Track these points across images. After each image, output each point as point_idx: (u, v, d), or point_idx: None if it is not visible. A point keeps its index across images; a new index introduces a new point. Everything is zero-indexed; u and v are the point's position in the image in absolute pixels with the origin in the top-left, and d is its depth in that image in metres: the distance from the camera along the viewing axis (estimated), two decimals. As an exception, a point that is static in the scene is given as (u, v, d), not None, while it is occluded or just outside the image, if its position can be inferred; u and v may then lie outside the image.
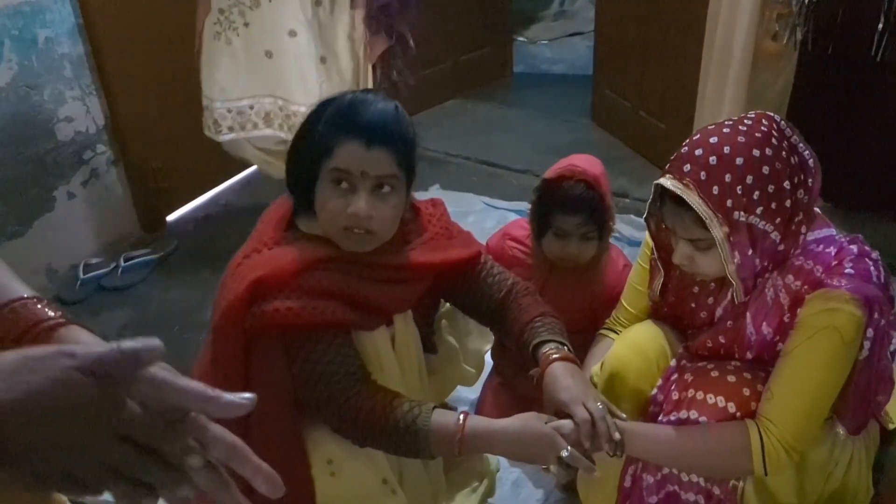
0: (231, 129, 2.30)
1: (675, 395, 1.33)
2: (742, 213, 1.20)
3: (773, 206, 1.21)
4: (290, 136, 1.42)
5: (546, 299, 1.48)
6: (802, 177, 1.24)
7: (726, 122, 1.26)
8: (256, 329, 1.23)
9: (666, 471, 1.35)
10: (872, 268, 1.24)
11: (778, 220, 1.23)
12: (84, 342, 0.66)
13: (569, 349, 1.32)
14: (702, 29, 2.66)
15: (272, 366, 1.27)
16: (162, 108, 2.66)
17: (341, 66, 2.30)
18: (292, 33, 2.17)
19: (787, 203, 1.23)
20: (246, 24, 2.17)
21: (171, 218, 2.98)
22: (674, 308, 1.48)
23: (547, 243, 1.75)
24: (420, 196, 1.50)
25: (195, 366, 1.40)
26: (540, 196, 1.75)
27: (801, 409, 1.22)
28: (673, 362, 1.41)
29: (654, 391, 1.40)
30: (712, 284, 1.39)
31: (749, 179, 1.19)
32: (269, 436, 1.28)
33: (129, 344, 0.57)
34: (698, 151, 1.22)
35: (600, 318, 1.66)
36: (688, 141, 1.27)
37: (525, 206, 1.89)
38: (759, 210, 1.21)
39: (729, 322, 1.35)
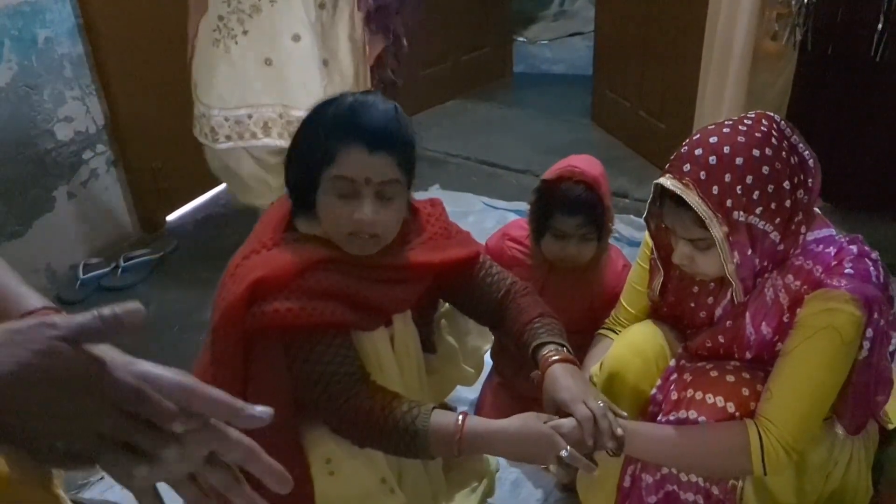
0: (229, 138, 2.25)
1: (674, 395, 1.33)
2: (742, 212, 1.20)
3: (773, 205, 1.21)
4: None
5: (545, 300, 1.48)
6: (802, 177, 1.24)
7: (726, 122, 1.26)
8: (256, 329, 1.24)
9: (665, 471, 1.35)
10: (872, 268, 1.24)
11: (777, 220, 1.23)
12: (111, 357, 0.67)
13: (568, 350, 1.32)
14: (702, 29, 2.66)
15: (271, 366, 1.28)
16: (162, 108, 2.66)
17: (343, 68, 2.29)
18: (296, 37, 2.15)
19: (787, 203, 1.23)
20: (244, 32, 2.13)
21: (170, 218, 2.97)
22: (673, 308, 1.48)
23: (546, 244, 1.76)
24: (420, 196, 1.50)
25: (195, 366, 1.40)
26: (539, 197, 1.75)
27: (801, 408, 1.22)
28: (672, 362, 1.41)
29: (654, 391, 1.40)
30: (712, 284, 1.39)
31: (749, 179, 1.19)
32: (268, 436, 1.28)
33: (108, 309, 0.57)
34: (698, 151, 1.22)
35: (599, 319, 1.66)
36: (688, 141, 1.27)
37: (525, 206, 1.89)
38: (758, 210, 1.21)
39: (728, 322, 1.35)
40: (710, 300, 1.40)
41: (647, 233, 1.46)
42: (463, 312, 1.53)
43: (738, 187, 1.19)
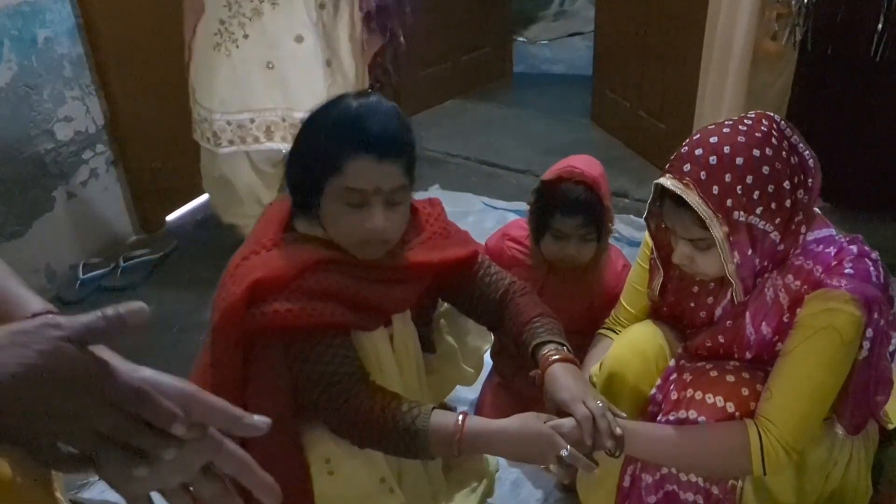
0: (231, 142, 2.24)
1: (673, 395, 1.33)
2: (742, 212, 1.20)
3: (773, 205, 1.21)
4: None
5: (545, 300, 1.48)
6: (802, 177, 1.24)
7: (726, 122, 1.26)
8: (256, 330, 1.24)
9: (665, 470, 1.35)
10: (872, 268, 1.24)
11: (778, 219, 1.23)
12: (114, 364, 0.67)
13: (568, 349, 1.32)
14: (701, 29, 2.66)
15: (271, 366, 1.28)
16: (161, 108, 2.66)
17: (345, 68, 2.29)
18: (299, 39, 2.14)
19: (787, 203, 1.23)
20: (245, 36, 2.12)
21: (170, 218, 2.97)
22: (673, 308, 1.48)
23: (545, 244, 1.75)
24: (420, 196, 1.50)
25: (195, 366, 1.40)
26: (538, 197, 1.75)
27: (800, 408, 1.22)
28: (672, 362, 1.41)
29: (653, 391, 1.40)
30: (712, 284, 1.39)
31: (749, 179, 1.19)
32: (268, 436, 1.28)
33: (112, 309, 0.58)
34: (698, 151, 1.22)
35: (599, 319, 1.66)
36: (688, 141, 1.27)
37: (524, 206, 1.89)
38: (758, 210, 1.21)
39: (728, 322, 1.35)
40: (710, 300, 1.40)
41: (647, 233, 1.46)
42: (461, 312, 1.53)
43: (739, 187, 1.19)
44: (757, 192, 1.20)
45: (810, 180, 1.26)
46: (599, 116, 3.71)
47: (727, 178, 1.20)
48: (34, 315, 0.75)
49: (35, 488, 0.73)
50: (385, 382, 1.33)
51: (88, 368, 0.56)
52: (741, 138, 1.21)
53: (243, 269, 1.26)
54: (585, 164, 1.73)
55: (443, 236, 1.44)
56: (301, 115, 2.15)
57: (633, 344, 1.44)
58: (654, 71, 3.17)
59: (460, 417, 1.23)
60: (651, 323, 1.48)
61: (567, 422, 1.21)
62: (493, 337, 1.66)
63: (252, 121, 2.22)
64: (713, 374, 1.31)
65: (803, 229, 1.27)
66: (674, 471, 1.34)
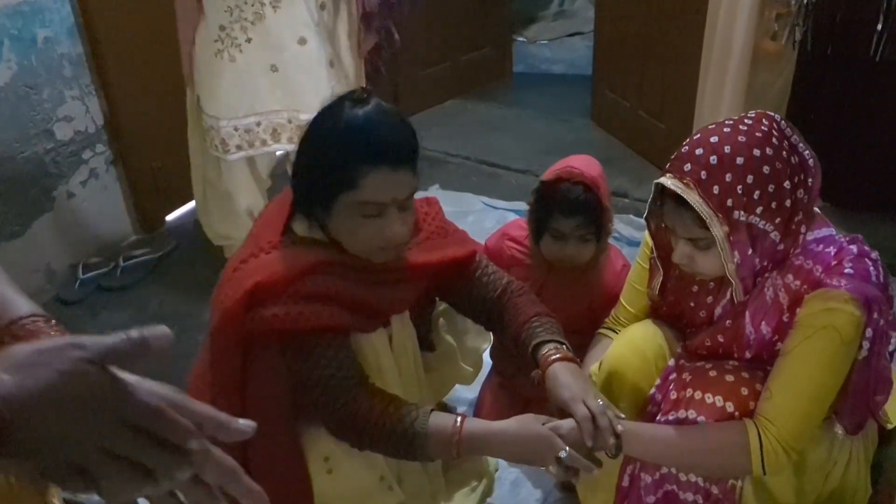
0: (239, 148, 2.22)
1: (673, 395, 1.33)
2: (742, 212, 1.20)
3: (773, 205, 1.21)
4: None
5: (545, 300, 1.48)
6: (802, 176, 1.24)
7: (727, 122, 1.26)
8: (255, 334, 1.24)
9: (664, 470, 1.35)
10: (872, 268, 1.24)
11: (778, 219, 1.23)
12: None
13: (567, 348, 1.32)
14: (701, 29, 2.66)
15: (270, 369, 1.28)
16: (161, 107, 2.66)
17: (346, 68, 2.29)
18: (302, 41, 2.13)
19: (787, 203, 1.23)
20: (248, 40, 2.11)
21: (170, 218, 2.97)
22: (673, 307, 1.48)
23: (545, 244, 1.76)
24: (419, 195, 1.50)
25: (194, 367, 1.40)
26: (538, 198, 1.75)
27: (800, 408, 1.22)
28: (671, 362, 1.41)
29: (653, 391, 1.40)
30: (711, 284, 1.39)
31: (749, 179, 1.19)
32: (267, 437, 1.28)
33: (137, 332, 0.57)
34: (699, 151, 1.22)
35: (599, 319, 1.65)
36: (688, 140, 1.27)
37: (524, 206, 1.89)
38: (759, 209, 1.21)
39: (728, 321, 1.35)
40: (710, 299, 1.40)
41: (647, 232, 1.46)
42: (459, 311, 1.53)
43: (739, 187, 1.19)
44: (757, 192, 1.20)
45: (810, 180, 1.26)
46: (599, 116, 3.71)
47: (727, 177, 1.20)
48: (20, 318, 0.75)
49: (28, 488, 0.73)
50: (384, 383, 1.33)
51: (107, 390, 0.56)
52: (742, 138, 1.21)
53: (242, 272, 1.25)
54: (585, 164, 1.73)
55: (440, 235, 1.44)
56: (307, 116, 2.15)
57: (633, 343, 1.44)
58: (654, 71, 3.17)
59: (458, 419, 1.23)
60: (651, 322, 1.48)
61: (566, 423, 1.22)
62: (492, 336, 1.66)
63: (258, 124, 2.21)
64: (712, 373, 1.31)
65: (803, 229, 1.27)
66: (673, 470, 1.34)
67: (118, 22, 2.57)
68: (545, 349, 1.31)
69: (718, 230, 1.20)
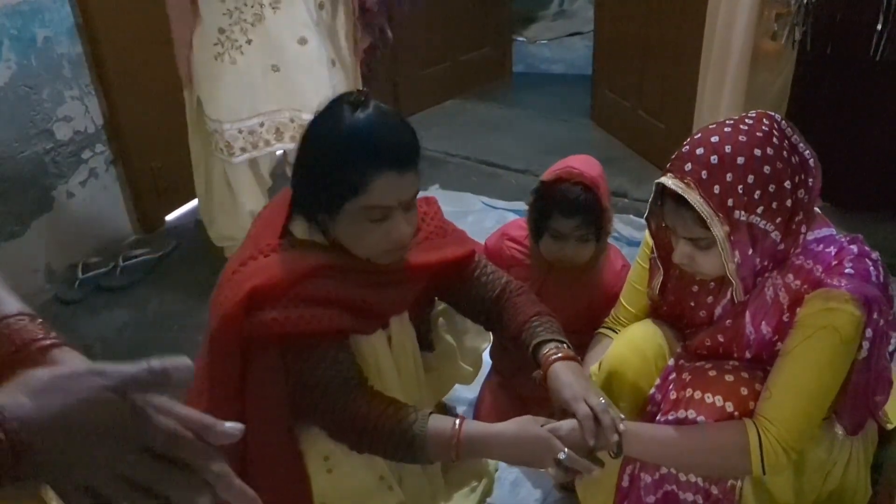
0: (244, 150, 2.22)
1: (673, 395, 1.33)
2: (743, 212, 1.20)
3: (774, 205, 1.21)
4: None
5: (544, 299, 1.48)
6: (803, 176, 1.24)
7: (727, 122, 1.26)
8: (254, 337, 1.23)
9: (664, 470, 1.35)
10: (872, 268, 1.24)
11: (778, 219, 1.23)
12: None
13: (568, 347, 1.32)
14: (701, 28, 2.66)
15: (269, 371, 1.27)
16: (161, 107, 2.66)
17: (346, 66, 2.30)
18: (302, 41, 2.12)
19: (788, 202, 1.23)
20: (248, 41, 2.10)
21: (169, 218, 2.97)
22: (673, 307, 1.48)
23: (544, 245, 1.75)
24: (418, 195, 1.50)
25: (193, 367, 1.40)
26: (537, 198, 1.75)
27: (800, 408, 1.22)
28: (671, 362, 1.41)
29: (652, 390, 1.40)
30: (712, 283, 1.39)
31: (750, 179, 1.19)
32: (266, 438, 1.28)
33: (158, 362, 0.59)
34: (699, 150, 1.22)
35: (598, 319, 1.65)
36: (689, 140, 1.27)
37: (524, 206, 1.89)
38: (759, 209, 1.21)
39: (728, 321, 1.35)
40: (710, 299, 1.40)
41: (647, 232, 1.46)
42: (458, 311, 1.53)
43: (740, 187, 1.19)
44: (758, 192, 1.20)
45: (811, 180, 1.26)
46: (599, 116, 3.71)
47: (728, 177, 1.19)
48: (8, 317, 0.75)
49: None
50: (383, 384, 1.33)
51: (126, 418, 0.57)
52: (742, 138, 1.21)
53: (241, 275, 1.25)
54: (584, 164, 1.72)
55: (439, 236, 1.44)
56: (309, 116, 2.13)
57: (633, 343, 1.44)
58: (654, 71, 3.17)
59: (457, 422, 1.23)
60: (650, 322, 1.48)
61: (564, 424, 1.22)
62: (491, 336, 1.66)
63: (262, 124, 2.20)
64: (712, 373, 1.31)
65: (803, 229, 1.27)
66: (673, 471, 1.34)
67: (118, 22, 2.57)
68: (546, 349, 1.31)
69: (719, 230, 1.20)
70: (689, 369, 1.35)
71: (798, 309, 1.26)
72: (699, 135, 1.26)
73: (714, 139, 1.22)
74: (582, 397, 1.22)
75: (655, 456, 1.32)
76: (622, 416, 1.25)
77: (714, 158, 1.20)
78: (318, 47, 2.15)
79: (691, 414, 1.28)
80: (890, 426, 1.42)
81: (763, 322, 1.30)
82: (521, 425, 1.23)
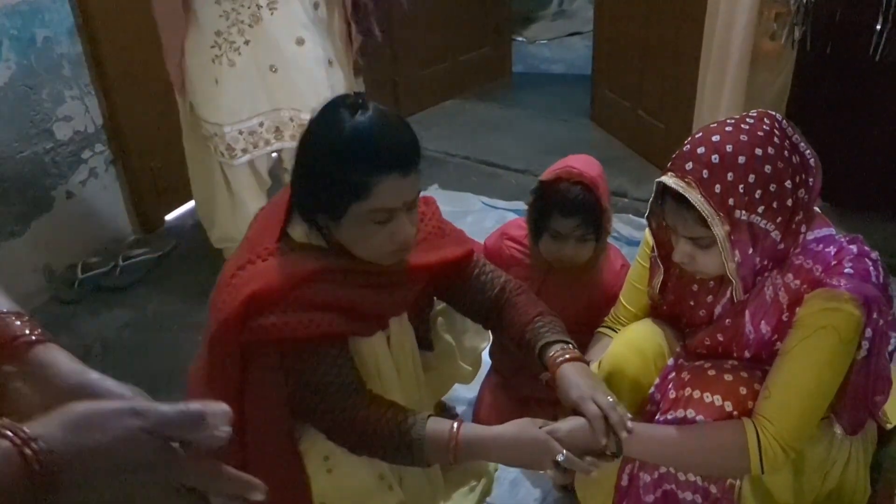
0: (245, 151, 2.21)
1: (672, 394, 1.33)
2: (743, 211, 1.20)
3: (775, 204, 1.21)
4: None
5: (544, 299, 1.48)
6: (803, 176, 1.24)
7: (728, 121, 1.26)
8: (253, 342, 1.23)
9: (663, 469, 1.35)
10: (871, 268, 1.24)
11: (779, 218, 1.23)
12: (60, 363, 0.67)
13: (574, 347, 1.33)
14: (700, 28, 2.66)
15: (268, 375, 1.28)
16: (161, 107, 2.65)
17: (343, 66, 2.30)
18: (300, 41, 2.12)
19: (789, 202, 1.23)
20: (246, 42, 2.10)
21: (169, 217, 2.97)
22: (673, 306, 1.48)
23: (544, 244, 1.75)
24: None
25: (192, 369, 1.40)
26: (537, 198, 1.75)
27: (799, 407, 1.22)
28: (670, 361, 1.41)
29: (652, 390, 1.40)
30: (711, 283, 1.39)
31: (751, 178, 1.19)
32: (266, 440, 1.28)
33: (197, 405, 0.59)
34: (700, 150, 1.22)
35: (598, 318, 1.66)
36: (690, 139, 1.27)
37: (523, 205, 1.89)
38: (760, 209, 1.21)
39: (728, 320, 1.35)
40: (710, 298, 1.40)
41: (647, 231, 1.46)
42: (457, 310, 1.53)
43: (741, 186, 1.19)
44: (759, 191, 1.20)
45: (811, 179, 1.26)
46: (599, 116, 3.71)
47: (729, 176, 1.20)
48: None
49: None
50: (383, 384, 1.33)
51: (158, 456, 0.58)
52: (743, 137, 1.21)
53: (239, 279, 1.25)
54: (584, 164, 1.72)
55: (438, 236, 1.44)
56: (308, 116, 2.13)
57: (632, 342, 1.44)
58: (654, 71, 3.17)
59: (455, 425, 1.23)
60: (650, 321, 1.48)
61: (563, 426, 1.22)
62: (490, 335, 1.66)
63: (261, 124, 2.20)
64: (711, 373, 1.31)
65: (803, 228, 1.27)
66: (672, 470, 1.34)
67: (118, 22, 2.57)
68: (553, 350, 1.31)
69: (720, 229, 1.20)
70: (689, 368, 1.35)
71: (797, 308, 1.26)
72: (700, 134, 1.26)
73: (715, 138, 1.22)
74: (590, 397, 1.22)
75: (654, 455, 1.32)
76: (630, 414, 1.26)
77: (715, 157, 1.20)
78: (315, 47, 2.15)
79: (690, 413, 1.28)
80: (889, 426, 1.42)
81: (762, 321, 1.30)
82: (519, 427, 1.23)
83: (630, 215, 2.80)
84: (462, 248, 1.45)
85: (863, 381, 1.27)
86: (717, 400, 1.27)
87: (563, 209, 1.68)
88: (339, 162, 1.19)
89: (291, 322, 1.21)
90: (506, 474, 1.77)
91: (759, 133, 1.22)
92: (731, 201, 1.20)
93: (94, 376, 0.62)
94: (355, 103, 1.21)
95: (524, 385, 1.84)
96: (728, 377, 1.30)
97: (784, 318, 1.28)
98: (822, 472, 1.33)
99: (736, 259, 1.23)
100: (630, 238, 2.62)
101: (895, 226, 2.65)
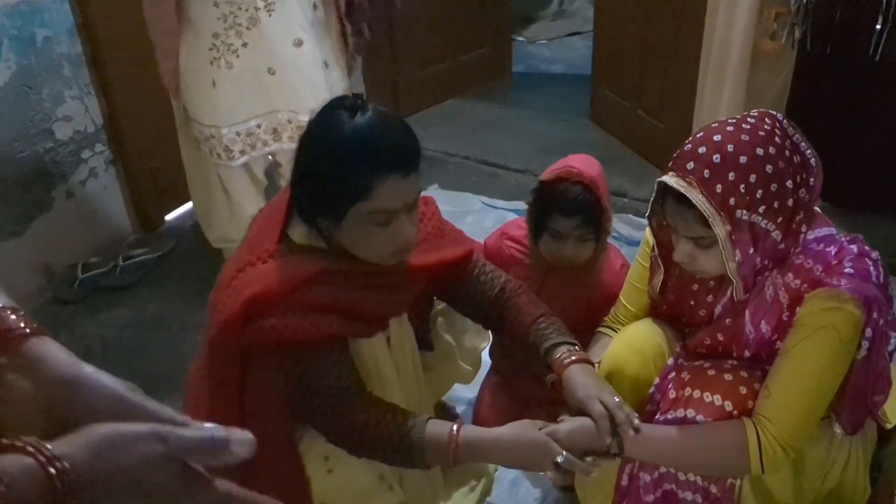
0: (243, 153, 2.21)
1: (672, 394, 1.33)
2: (744, 211, 1.20)
3: (776, 204, 1.21)
4: None
5: (544, 299, 1.48)
6: (804, 175, 1.24)
7: (729, 121, 1.26)
8: (252, 344, 1.23)
9: (663, 469, 1.35)
10: (872, 268, 1.24)
11: (780, 218, 1.23)
12: (54, 355, 0.67)
13: (579, 348, 1.33)
14: (700, 28, 2.66)
15: (269, 374, 1.28)
16: (160, 107, 2.64)
17: (340, 66, 2.29)
18: (298, 43, 2.12)
19: (789, 202, 1.23)
20: (244, 44, 2.09)
21: (169, 217, 2.97)
22: (673, 306, 1.48)
23: (544, 244, 1.76)
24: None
25: (191, 370, 1.40)
26: (537, 197, 1.75)
27: (799, 407, 1.23)
28: (670, 361, 1.41)
29: (652, 390, 1.40)
30: (712, 282, 1.39)
31: (752, 178, 1.19)
32: (266, 442, 1.28)
33: (223, 432, 0.59)
34: (701, 149, 1.22)
35: (598, 318, 1.66)
36: (691, 138, 1.27)
37: (523, 205, 1.89)
38: (761, 208, 1.21)
39: (728, 320, 1.35)
40: (710, 298, 1.40)
41: (647, 231, 1.46)
42: (457, 310, 1.53)
43: (742, 186, 1.19)
44: (760, 191, 1.20)
45: (812, 179, 1.26)
46: (598, 116, 3.71)
47: (730, 176, 1.20)
48: None
49: None
50: (383, 385, 1.33)
51: (180, 482, 0.58)
52: (744, 136, 1.21)
53: (239, 281, 1.24)
54: (584, 163, 1.72)
55: (437, 236, 1.43)
56: (306, 117, 2.13)
57: (632, 342, 1.44)
58: (654, 71, 3.17)
59: (455, 427, 1.23)
60: (650, 321, 1.48)
61: (563, 427, 1.22)
62: (490, 335, 1.66)
63: (259, 126, 2.20)
64: (711, 372, 1.31)
65: (804, 228, 1.27)
66: (672, 469, 1.34)
67: (118, 22, 2.56)
68: (559, 352, 1.31)
69: (720, 229, 1.20)
70: (689, 368, 1.35)
71: (798, 308, 1.26)
72: (701, 133, 1.26)
73: (716, 138, 1.22)
74: (596, 396, 1.22)
75: (654, 455, 1.32)
76: (635, 413, 1.26)
77: (716, 157, 1.20)
78: (313, 49, 2.15)
79: (690, 413, 1.28)
80: (889, 426, 1.42)
81: (762, 321, 1.30)
82: (519, 429, 1.23)
83: (630, 215, 2.80)
84: (462, 248, 1.45)
85: (863, 381, 1.27)
86: (717, 400, 1.27)
87: (563, 209, 1.68)
88: (339, 164, 1.19)
89: (291, 324, 1.21)
90: (506, 474, 1.78)
91: (761, 133, 1.22)
92: (732, 201, 1.20)
93: (89, 370, 0.62)
94: (354, 104, 1.21)
95: (524, 385, 1.84)
96: (728, 377, 1.30)
97: (784, 317, 1.28)
98: (821, 471, 1.33)
99: (737, 259, 1.23)
100: (630, 238, 2.62)
101: (895, 226, 2.65)
